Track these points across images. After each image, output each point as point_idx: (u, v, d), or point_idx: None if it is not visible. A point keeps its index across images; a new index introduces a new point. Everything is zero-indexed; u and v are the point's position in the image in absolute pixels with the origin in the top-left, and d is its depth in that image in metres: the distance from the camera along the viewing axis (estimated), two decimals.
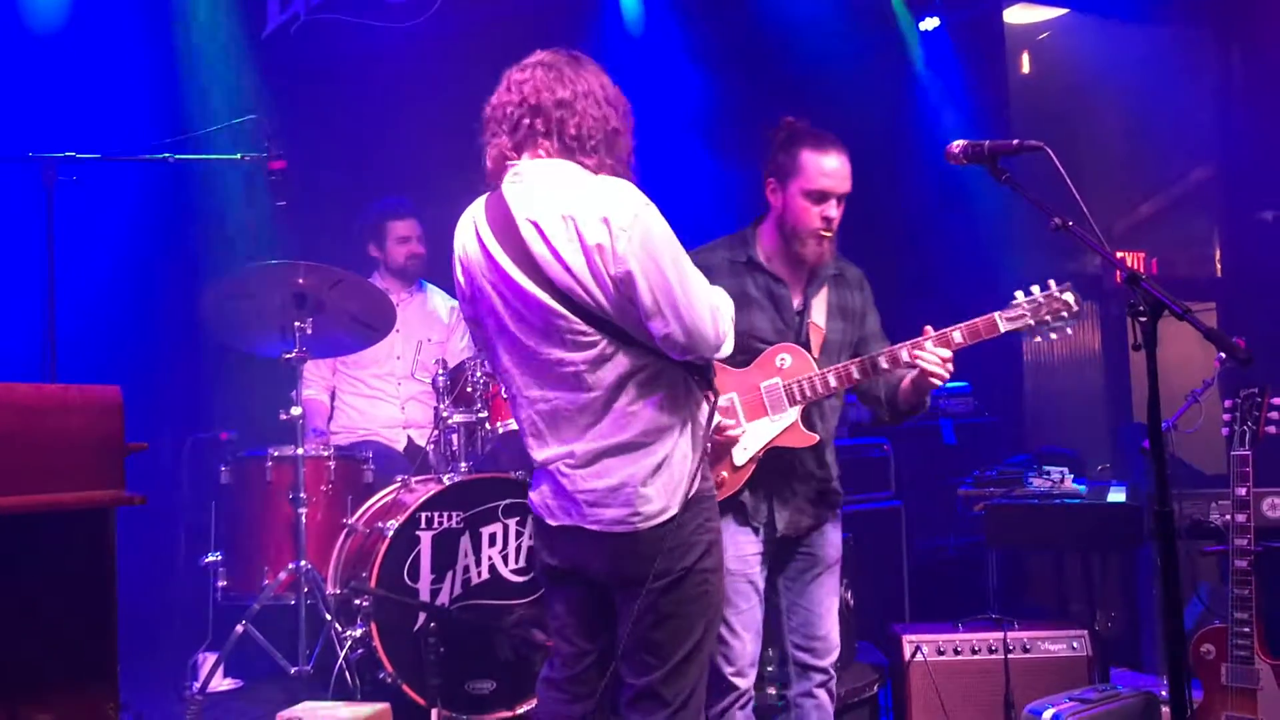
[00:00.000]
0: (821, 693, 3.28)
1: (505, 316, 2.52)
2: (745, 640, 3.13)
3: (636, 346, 2.46)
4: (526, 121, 2.51)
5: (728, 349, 2.53)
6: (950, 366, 3.04)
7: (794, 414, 3.10)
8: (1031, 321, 3.07)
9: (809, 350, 3.15)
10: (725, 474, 3.07)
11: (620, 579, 2.51)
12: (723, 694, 3.11)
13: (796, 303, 3.20)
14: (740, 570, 3.11)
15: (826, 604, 3.28)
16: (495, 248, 2.51)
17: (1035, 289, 3.10)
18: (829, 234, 3.10)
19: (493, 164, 2.57)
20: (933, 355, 3.03)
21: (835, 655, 3.30)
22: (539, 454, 2.57)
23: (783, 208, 3.12)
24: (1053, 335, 3.08)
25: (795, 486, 3.18)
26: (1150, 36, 7.48)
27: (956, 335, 3.06)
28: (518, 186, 2.51)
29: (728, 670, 3.11)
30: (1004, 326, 3.07)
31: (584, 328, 2.44)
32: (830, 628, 3.28)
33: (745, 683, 3.14)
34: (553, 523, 2.57)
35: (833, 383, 3.09)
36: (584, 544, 2.52)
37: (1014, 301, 3.10)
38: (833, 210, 3.09)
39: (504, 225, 2.49)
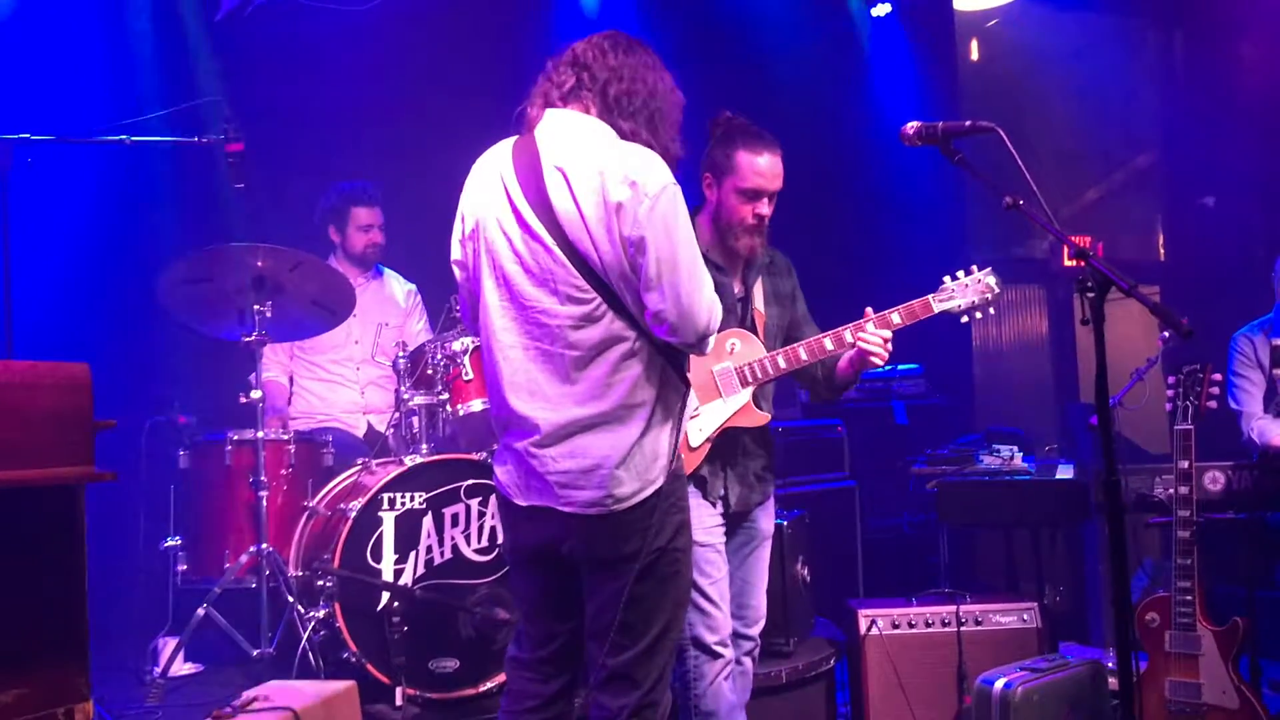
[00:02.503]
0: (747, 660, 3.45)
1: (504, 258, 2.52)
2: (722, 609, 3.22)
3: (625, 315, 2.47)
4: (574, 78, 2.57)
5: (709, 345, 2.55)
6: (889, 347, 3.25)
7: (746, 395, 3.26)
8: (961, 303, 3.36)
9: (755, 334, 3.31)
10: (683, 454, 3.14)
11: (594, 560, 2.51)
12: (710, 665, 3.18)
13: (738, 290, 3.35)
14: (709, 542, 3.21)
15: (760, 575, 3.46)
16: (515, 188, 2.52)
17: (961, 274, 3.38)
18: (760, 229, 3.27)
19: (533, 110, 2.61)
20: (874, 336, 3.23)
21: (762, 624, 3.47)
22: (509, 402, 2.52)
23: (718, 203, 3.27)
24: (978, 315, 3.39)
25: (745, 464, 3.35)
26: (1095, 25, 7.63)
27: (895, 317, 3.28)
28: (551, 134, 2.54)
29: (712, 640, 3.18)
30: (937, 307, 3.34)
31: (581, 282, 2.45)
32: (761, 598, 3.46)
33: (729, 652, 3.23)
34: (521, 502, 2.56)
35: (782, 364, 3.26)
36: (556, 525, 2.51)
37: (943, 285, 3.37)
38: (765, 207, 3.25)
39: (529, 168, 2.51)
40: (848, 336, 3.24)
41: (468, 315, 2.75)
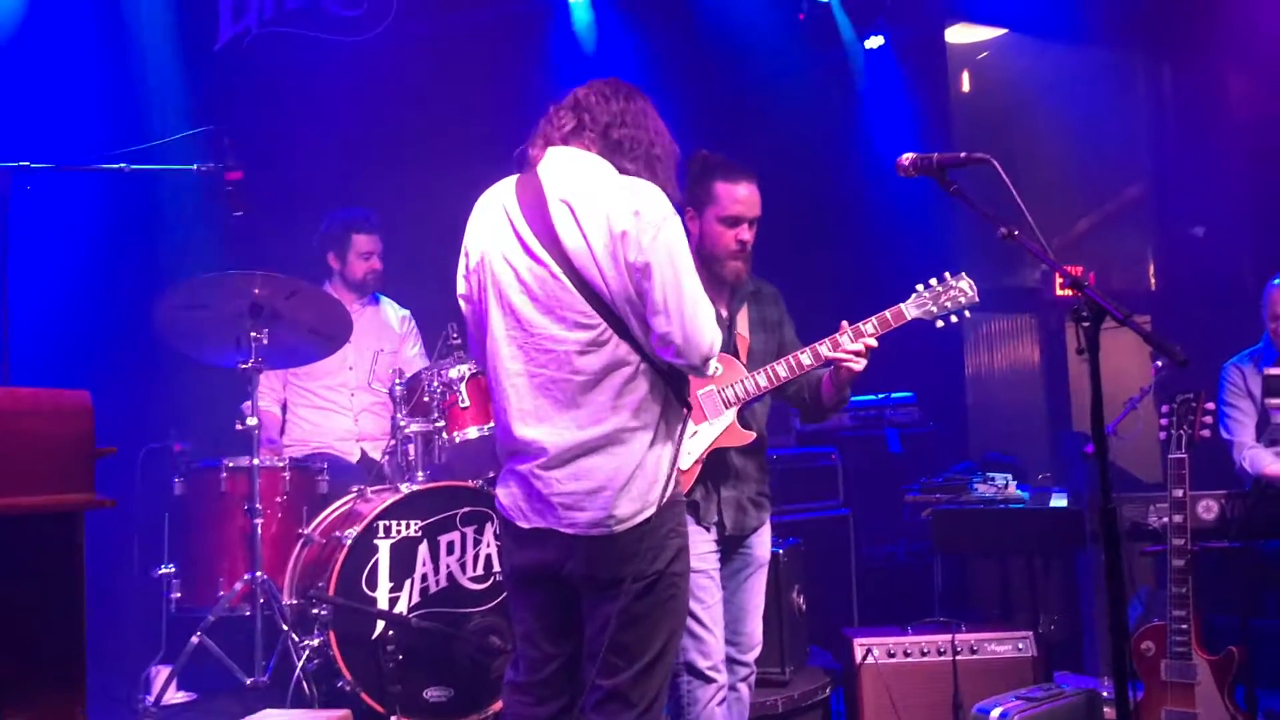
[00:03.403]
0: (743, 686, 3.44)
1: (510, 289, 2.59)
2: (716, 634, 3.24)
3: (631, 341, 2.53)
4: (575, 120, 2.65)
5: (711, 369, 2.64)
6: (865, 356, 3.28)
7: (730, 415, 3.31)
8: (934, 308, 3.37)
9: (738, 358, 3.37)
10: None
11: (594, 582, 2.55)
12: (703, 690, 3.19)
13: (722, 316, 3.39)
14: (703, 568, 3.22)
15: (755, 601, 3.46)
16: (520, 221, 2.59)
17: (934, 280, 3.40)
18: (743, 254, 3.35)
19: (534, 149, 2.68)
20: (849, 348, 3.28)
21: (757, 651, 3.47)
22: (512, 433, 2.58)
23: (700, 234, 3.35)
24: (953, 319, 3.39)
25: (739, 489, 3.37)
26: (1086, 57, 7.70)
27: (868, 327, 3.31)
28: (555, 170, 2.62)
29: (704, 665, 3.20)
30: (910, 313, 3.36)
31: (587, 309, 2.51)
32: (756, 625, 3.46)
33: (723, 678, 3.24)
34: (524, 525, 2.60)
35: (763, 383, 3.31)
36: (558, 546, 2.55)
37: (916, 291, 3.39)
38: (746, 234, 3.34)
39: (534, 202, 2.59)
40: (824, 350, 3.29)
41: (475, 348, 2.79)
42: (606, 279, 2.51)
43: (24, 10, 4.98)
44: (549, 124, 2.69)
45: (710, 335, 2.55)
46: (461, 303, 2.78)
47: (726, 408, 3.29)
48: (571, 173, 2.60)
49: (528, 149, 2.70)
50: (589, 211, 2.52)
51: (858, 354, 3.26)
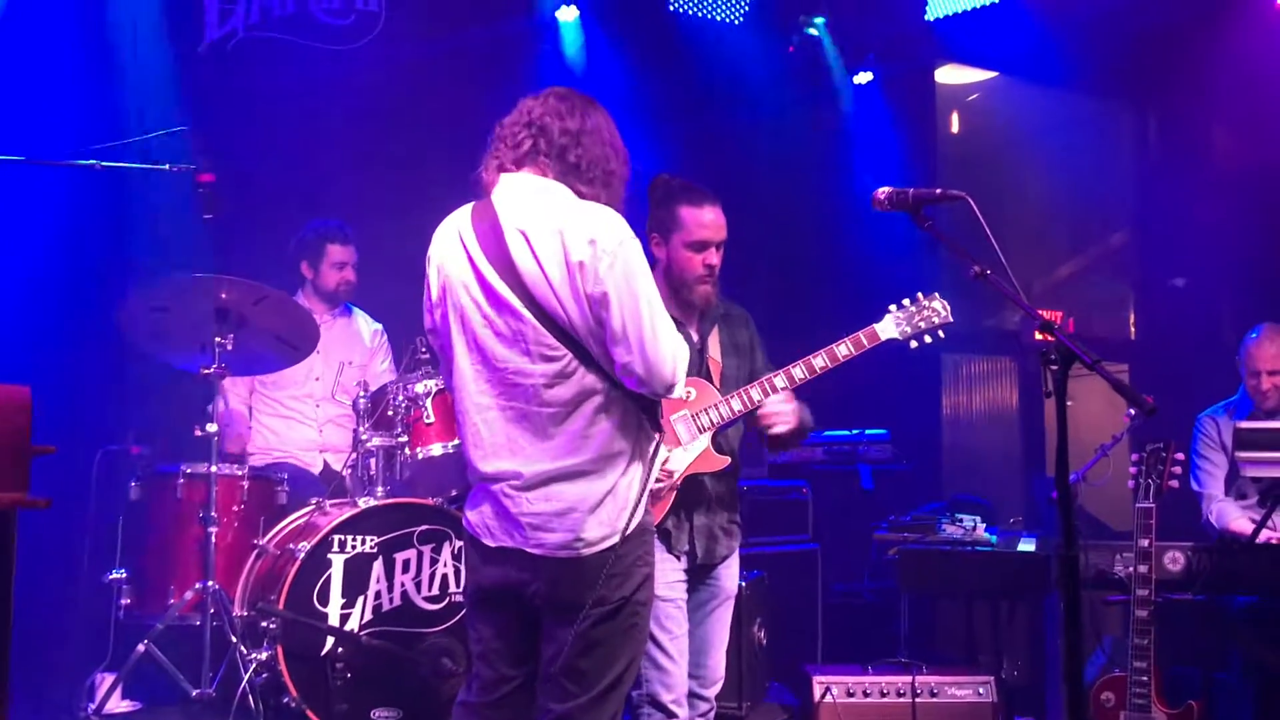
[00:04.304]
0: None
1: (475, 323, 2.55)
2: (681, 666, 3.20)
3: (598, 369, 2.50)
4: (530, 141, 2.59)
5: (678, 392, 2.59)
6: (788, 419, 3.28)
7: (704, 441, 3.27)
8: (908, 329, 3.37)
9: (711, 383, 3.34)
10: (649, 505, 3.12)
11: (556, 604, 2.52)
12: None
13: (693, 340, 3.36)
14: (671, 596, 3.19)
15: (720, 635, 3.41)
16: (477, 253, 2.55)
17: (907, 300, 3.40)
18: (711, 278, 3.33)
19: (488, 174, 2.63)
20: (776, 405, 3.27)
21: (719, 686, 3.41)
22: (482, 466, 2.57)
23: (668, 259, 3.33)
24: (927, 339, 3.38)
25: (711, 516, 3.33)
26: (1074, 105, 7.73)
27: (842, 349, 3.30)
28: (510, 197, 2.56)
29: (667, 699, 3.16)
30: (884, 333, 3.35)
31: (551, 341, 2.48)
32: (719, 659, 3.41)
33: (684, 712, 3.20)
34: (490, 543, 2.57)
35: (737, 407, 3.27)
36: (522, 567, 2.53)
37: (889, 312, 3.39)
38: (714, 258, 3.31)
39: (490, 232, 2.54)
40: (798, 373, 3.27)
41: (446, 379, 2.75)
42: (566, 309, 2.48)
43: (4, 3, 4.92)
44: (503, 144, 2.62)
45: (672, 363, 2.51)
46: (429, 336, 2.75)
47: (701, 433, 3.25)
48: (527, 200, 2.55)
49: (481, 173, 2.65)
50: (545, 241, 2.48)
51: (777, 414, 3.26)
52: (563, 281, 2.46)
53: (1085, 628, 3.68)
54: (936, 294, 3.39)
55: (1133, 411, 4.28)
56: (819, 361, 3.27)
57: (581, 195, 2.57)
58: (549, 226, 2.48)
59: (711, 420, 3.25)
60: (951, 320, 3.38)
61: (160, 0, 5.31)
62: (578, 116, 2.61)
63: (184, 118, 4.37)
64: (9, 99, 4.76)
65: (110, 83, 5.15)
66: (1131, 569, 3.68)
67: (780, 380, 3.27)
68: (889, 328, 3.35)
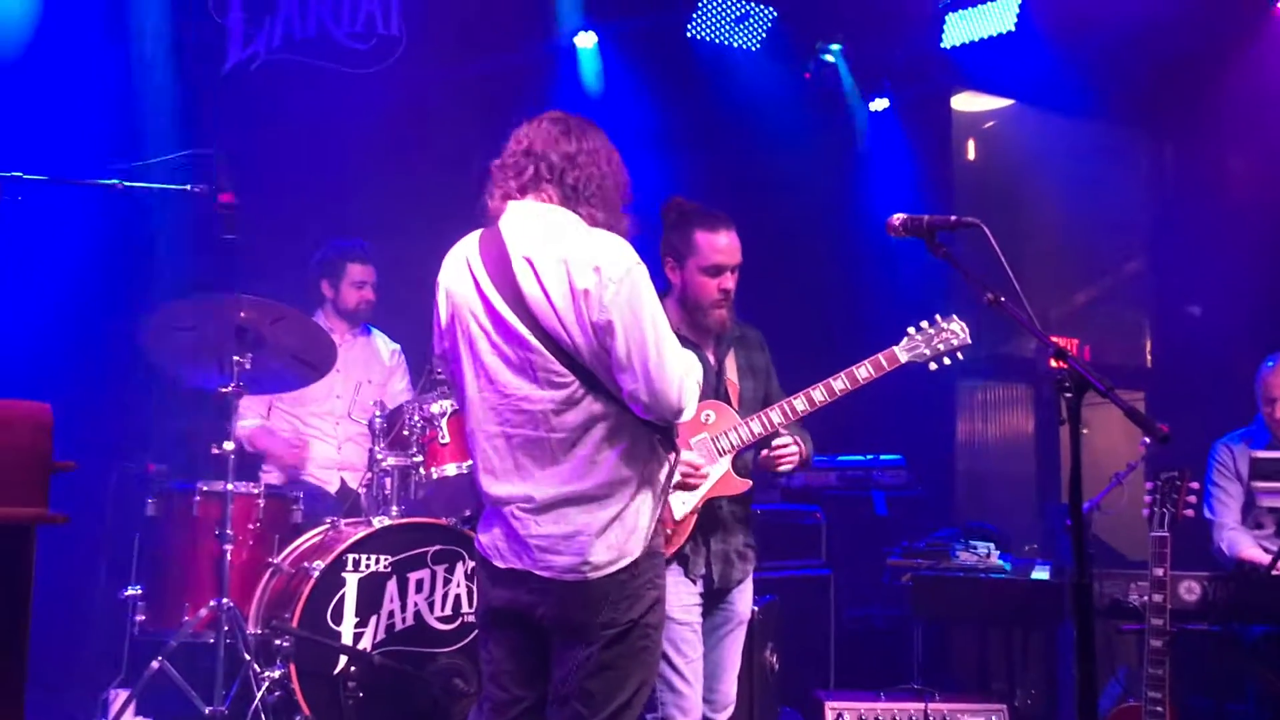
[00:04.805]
0: None
1: (483, 349, 2.57)
2: (696, 690, 3.18)
3: (606, 395, 2.51)
4: (531, 168, 2.61)
5: (687, 416, 2.60)
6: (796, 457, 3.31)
7: (724, 464, 3.25)
8: (926, 351, 3.36)
9: (729, 405, 3.33)
10: (668, 530, 3.12)
11: (565, 626, 2.52)
12: None
13: (710, 364, 3.36)
14: (686, 620, 3.18)
15: (733, 659, 3.40)
16: (485, 280, 2.57)
17: (925, 323, 3.39)
18: (727, 302, 3.33)
19: (494, 202, 2.66)
20: (784, 448, 3.30)
21: (730, 710, 3.40)
22: (493, 490, 2.58)
23: (682, 284, 3.33)
24: (946, 361, 3.38)
25: (727, 540, 3.32)
26: (1091, 132, 7.74)
27: (862, 372, 3.31)
28: (516, 224, 2.59)
29: None
30: (902, 357, 3.35)
31: (558, 367, 2.49)
32: (731, 683, 3.40)
33: None
34: (500, 565, 2.58)
35: (757, 429, 3.27)
36: (531, 589, 2.53)
37: (908, 334, 3.37)
38: (729, 282, 3.31)
39: (497, 259, 2.57)
40: (818, 396, 3.26)
41: (459, 402, 2.76)
42: (572, 336, 2.49)
43: (34, 25, 5.00)
44: (504, 173, 2.65)
45: (678, 391, 2.51)
46: (438, 362, 2.78)
47: (720, 455, 3.23)
48: (532, 228, 2.57)
49: (486, 201, 2.67)
50: (550, 269, 2.50)
51: (781, 457, 3.29)
52: (568, 309, 2.48)
53: (1099, 657, 3.67)
54: (954, 316, 3.38)
55: (1148, 440, 4.27)
56: (839, 384, 3.26)
57: (584, 218, 2.59)
58: (554, 254, 2.50)
59: (731, 443, 3.24)
60: (970, 342, 3.38)
61: (185, 24, 5.38)
62: (574, 139, 2.63)
63: (207, 140, 4.41)
64: (34, 120, 4.82)
65: (134, 104, 5.21)
66: (1146, 598, 3.66)
67: (800, 403, 3.26)
68: (906, 352, 3.34)
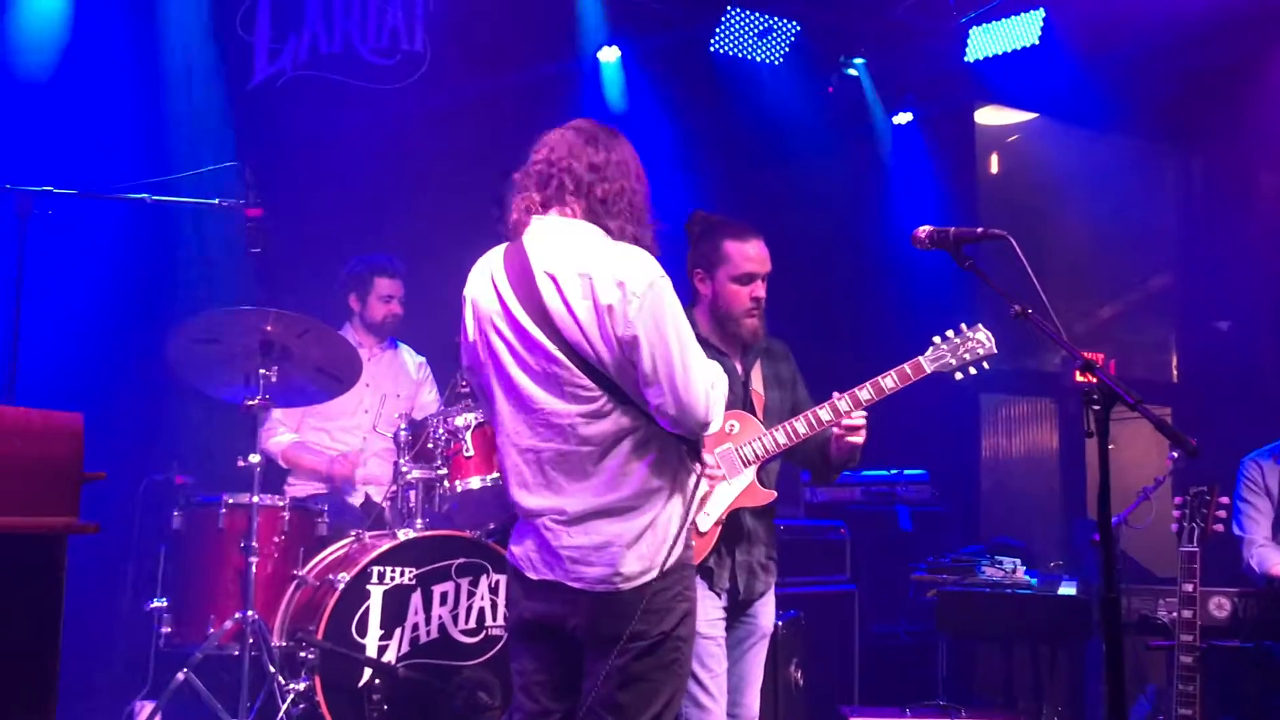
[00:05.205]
0: None
1: (509, 364, 2.57)
2: (720, 704, 3.17)
3: (633, 407, 2.51)
4: (556, 180, 2.60)
5: (714, 428, 2.59)
6: (862, 432, 3.24)
7: (749, 475, 3.24)
8: (953, 360, 3.32)
9: (754, 415, 3.31)
10: (693, 541, 3.11)
11: (596, 637, 2.52)
12: None
13: (737, 373, 3.36)
14: (711, 634, 3.17)
15: (756, 672, 3.38)
16: (509, 295, 2.57)
17: (950, 332, 3.35)
18: (759, 311, 3.32)
19: (517, 215, 2.65)
20: (854, 422, 3.24)
21: None
22: (525, 502, 2.59)
23: (713, 294, 3.32)
24: (972, 371, 3.33)
25: (751, 552, 3.30)
26: (1116, 146, 7.72)
27: (888, 382, 3.27)
28: (539, 239, 2.58)
29: None
30: (929, 367, 3.31)
31: (585, 381, 2.49)
32: (755, 697, 3.37)
33: None
34: (533, 576, 2.58)
35: (782, 440, 3.24)
36: (563, 600, 2.54)
37: (933, 344, 3.34)
38: (760, 290, 3.31)
39: (521, 275, 2.56)
40: (843, 405, 3.23)
41: (488, 415, 2.79)
42: (597, 350, 2.49)
43: (64, 44, 5.06)
44: (527, 183, 2.64)
45: (704, 404, 2.50)
46: (467, 373, 2.78)
47: (745, 466, 3.22)
48: (555, 243, 2.56)
49: (510, 214, 2.66)
50: (573, 284, 2.49)
51: (854, 429, 3.24)
52: (591, 324, 2.48)
53: (1128, 674, 3.63)
54: (980, 325, 3.35)
55: (1176, 454, 4.23)
56: (864, 394, 3.24)
57: (610, 231, 2.58)
58: (577, 269, 2.50)
59: (756, 453, 3.23)
60: (995, 352, 3.33)
61: (212, 40, 5.43)
62: (600, 150, 2.61)
63: (234, 154, 4.46)
64: (65, 136, 4.87)
65: (163, 120, 5.27)
66: (1176, 614, 3.62)
67: (825, 414, 3.24)
68: (931, 362, 3.31)
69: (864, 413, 3.24)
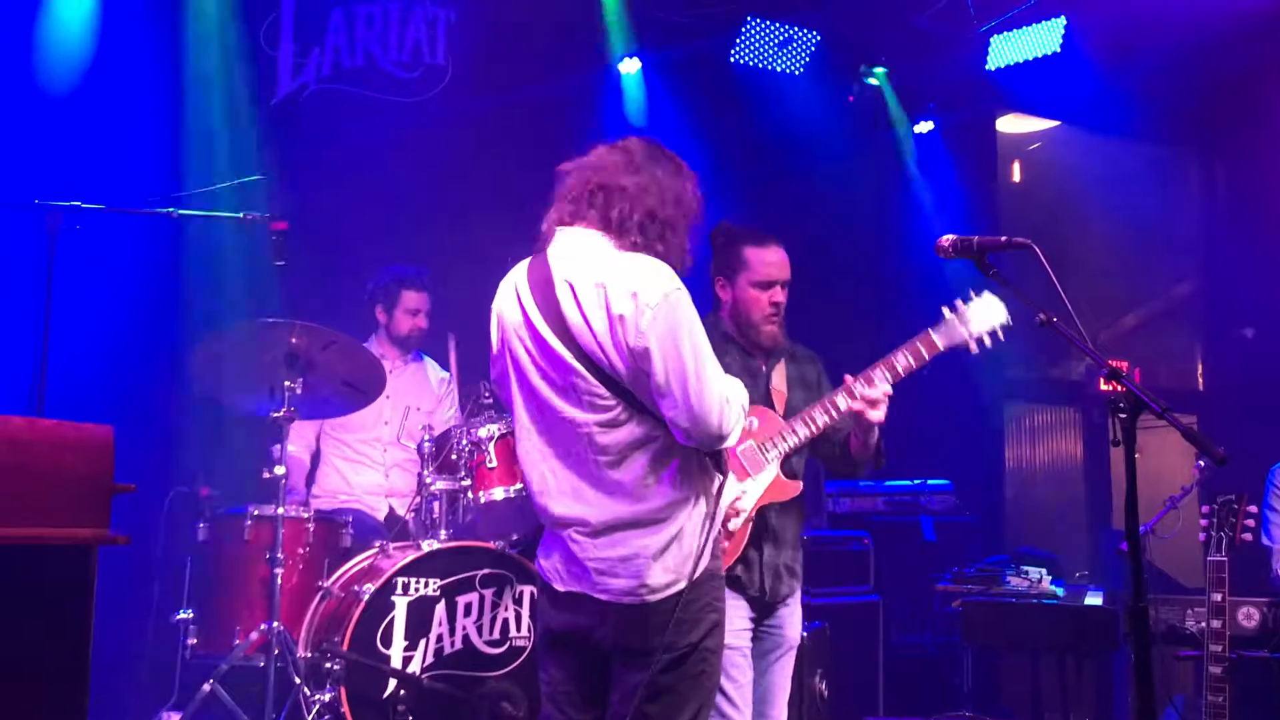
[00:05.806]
0: None
1: (530, 373, 2.60)
2: (745, 716, 3.16)
3: (649, 416, 2.52)
4: (587, 195, 2.63)
5: (730, 442, 2.58)
6: (883, 405, 3.17)
7: (774, 469, 3.24)
8: (964, 332, 3.24)
9: (774, 411, 3.32)
10: (725, 543, 3.11)
11: (624, 649, 2.53)
12: None
13: (761, 371, 3.38)
14: (737, 645, 3.16)
15: (783, 684, 3.38)
16: (531, 306, 2.60)
17: (959, 301, 3.28)
18: (778, 317, 3.33)
19: (546, 226, 2.68)
20: (869, 393, 3.18)
21: None
22: (553, 509, 2.59)
23: (733, 300, 3.35)
24: (988, 342, 3.25)
25: (777, 553, 3.30)
26: (1139, 153, 7.69)
27: (900, 361, 3.22)
28: (562, 251, 2.61)
29: None
30: (941, 342, 3.24)
31: (601, 390, 2.51)
32: (782, 709, 3.37)
33: None
34: (560, 588, 2.59)
35: (803, 432, 3.24)
36: (590, 612, 2.54)
37: (944, 317, 3.27)
38: (780, 295, 3.33)
39: (542, 285, 2.60)
40: (859, 388, 3.18)
41: (515, 429, 2.79)
42: (612, 360, 2.50)
43: (89, 59, 5.11)
44: (561, 193, 2.67)
45: (718, 416, 2.48)
46: (494, 385, 2.81)
47: (768, 461, 3.22)
48: (576, 254, 2.59)
49: (542, 226, 2.69)
50: (588, 294, 2.51)
51: (873, 401, 3.17)
52: (606, 334, 2.49)
53: (1156, 684, 3.61)
54: (986, 290, 3.23)
55: (1202, 462, 4.21)
56: (878, 374, 3.19)
57: (634, 248, 2.58)
58: (593, 280, 2.52)
59: (778, 447, 3.23)
60: (1009, 321, 3.24)
61: (236, 54, 5.47)
62: (634, 171, 2.62)
63: (259, 168, 4.49)
64: (91, 150, 4.92)
65: (188, 134, 5.31)
66: (1204, 624, 3.59)
67: (842, 401, 3.22)
68: (943, 337, 3.23)
69: (888, 387, 3.17)
